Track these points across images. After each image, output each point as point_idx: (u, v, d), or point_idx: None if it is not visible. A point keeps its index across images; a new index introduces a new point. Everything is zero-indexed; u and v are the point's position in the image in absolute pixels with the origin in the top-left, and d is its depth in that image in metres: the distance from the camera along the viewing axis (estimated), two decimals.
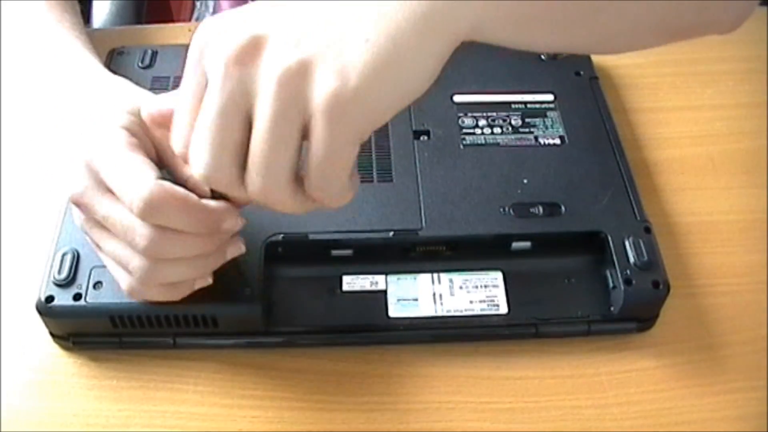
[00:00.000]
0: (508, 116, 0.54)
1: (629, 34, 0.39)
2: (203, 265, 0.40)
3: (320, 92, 0.31)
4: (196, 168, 0.34)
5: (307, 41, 0.32)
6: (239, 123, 0.33)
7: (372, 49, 0.32)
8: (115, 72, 0.46)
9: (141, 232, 0.37)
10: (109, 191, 0.38)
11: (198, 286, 0.41)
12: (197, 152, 0.34)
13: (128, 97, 0.42)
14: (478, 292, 0.46)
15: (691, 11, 0.39)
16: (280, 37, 0.32)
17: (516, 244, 0.47)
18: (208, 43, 0.34)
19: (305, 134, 0.33)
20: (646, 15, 0.38)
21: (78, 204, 0.39)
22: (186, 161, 0.35)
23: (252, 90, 0.32)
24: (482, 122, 0.53)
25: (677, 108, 0.61)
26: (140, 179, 0.37)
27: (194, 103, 0.34)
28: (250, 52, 0.32)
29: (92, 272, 0.43)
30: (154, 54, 0.58)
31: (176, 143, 0.36)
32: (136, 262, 0.38)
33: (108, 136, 0.39)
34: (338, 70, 0.31)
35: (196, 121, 0.34)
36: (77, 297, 0.43)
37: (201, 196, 0.38)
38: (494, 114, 0.54)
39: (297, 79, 0.32)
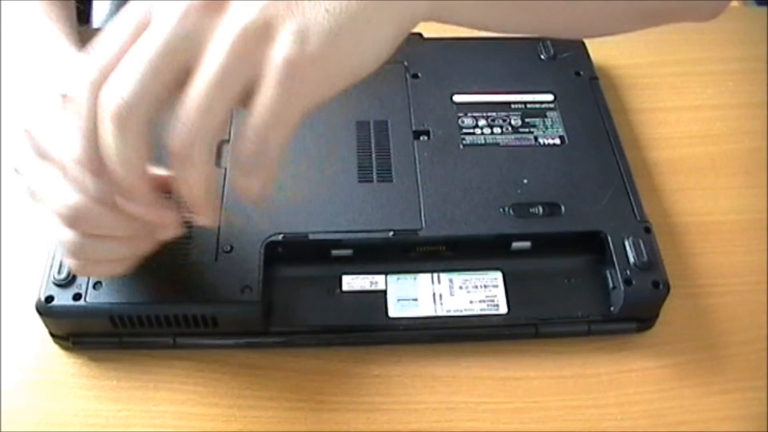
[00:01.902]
0: (507, 116, 0.54)
1: (604, 18, 0.39)
2: (136, 246, 0.39)
3: (278, 53, 0.31)
4: (114, 97, 0.32)
5: (273, 3, 0.32)
6: (175, 70, 0.32)
7: (331, 19, 0.32)
8: None
9: (69, 203, 0.36)
10: (47, 158, 0.37)
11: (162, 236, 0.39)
12: (124, 78, 0.32)
13: (73, 65, 0.41)
14: (477, 292, 0.46)
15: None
16: None
17: (516, 244, 0.47)
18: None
19: (243, 100, 0.32)
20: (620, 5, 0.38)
21: (18, 172, 0.38)
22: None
23: (203, 41, 0.32)
24: (482, 122, 0.53)
25: (677, 108, 0.61)
26: (66, 191, 0.35)
27: (129, 36, 0.33)
28: (214, 4, 0.32)
29: None
30: None
31: (92, 69, 0.33)
32: (66, 235, 0.37)
33: (44, 103, 0.38)
34: (298, 34, 0.32)
35: (125, 52, 0.32)
36: (77, 297, 0.43)
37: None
38: (494, 114, 0.54)
39: (256, 38, 0.32)
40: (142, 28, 0.33)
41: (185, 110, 0.32)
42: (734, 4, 1.09)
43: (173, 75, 0.32)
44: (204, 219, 0.36)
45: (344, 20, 0.32)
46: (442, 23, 0.37)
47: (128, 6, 0.34)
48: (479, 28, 0.37)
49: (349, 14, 0.33)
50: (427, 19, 0.35)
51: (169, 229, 0.39)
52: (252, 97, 0.32)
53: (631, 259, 0.45)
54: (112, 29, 0.34)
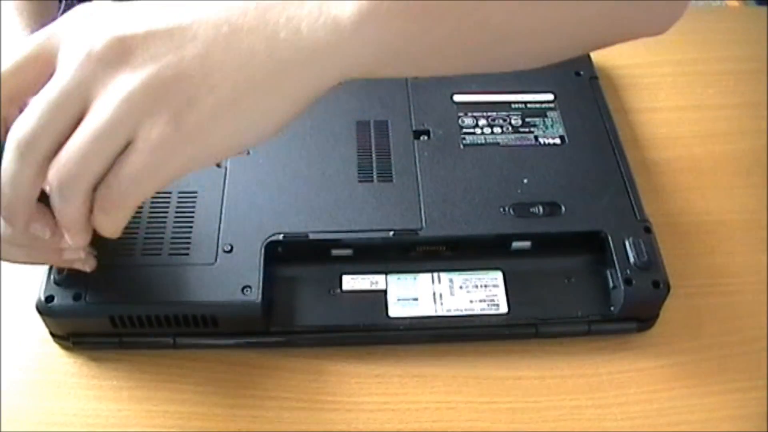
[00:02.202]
0: (508, 116, 0.54)
1: (541, 53, 0.39)
2: (42, 257, 0.40)
3: (152, 130, 0.32)
4: (19, 130, 0.33)
5: (162, 73, 0.32)
6: (72, 114, 0.33)
7: (215, 99, 0.32)
8: None
9: None
10: None
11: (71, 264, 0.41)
12: (27, 116, 0.33)
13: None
14: (478, 292, 0.46)
15: (607, 25, 0.38)
16: (143, 57, 0.32)
17: (516, 244, 0.47)
18: (71, 30, 0.34)
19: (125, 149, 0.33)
20: (558, 37, 0.37)
21: None
22: None
23: (96, 92, 0.33)
24: (482, 122, 0.53)
25: (677, 108, 0.61)
26: None
27: (32, 78, 0.34)
28: (111, 59, 0.32)
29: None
30: None
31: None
32: None
33: None
34: (176, 115, 0.32)
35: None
36: (77, 297, 0.43)
37: None
38: (494, 114, 0.54)
39: (137, 106, 0.32)
40: (41, 62, 0.34)
41: (65, 155, 0.33)
42: (734, 3, 1.09)
43: (68, 119, 0.33)
44: (72, 240, 0.37)
45: (228, 102, 0.32)
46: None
47: (38, 38, 0.35)
48: (405, 75, 0.37)
49: (234, 95, 0.32)
50: (340, 82, 0.35)
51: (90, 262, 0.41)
52: (126, 152, 0.33)
53: (632, 259, 0.45)
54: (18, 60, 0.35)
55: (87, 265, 0.42)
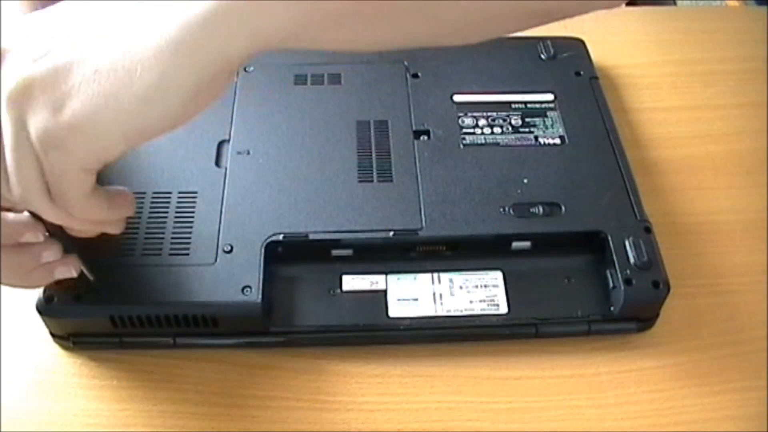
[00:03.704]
0: (508, 116, 0.54)
1: (481, 24, 0.35)
2: (27, 276, 0.39)
3: (33, 122, 0.31)
4: None
5: (37, 63, 0.31)
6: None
7: (97, 81, 0.31)
8: None
9: None
10: None
11: (59, 275, 0.40)
12: None
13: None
14: (478, 292, 0.46)
15: None
16: (17, 53, 0.32)
17: (516, 244, 0.47)
18: None
19: None
20: (502, 5, 0.34)
21: None
22: None
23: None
24: (482, 122, 0.53)
25: (677, 108, 0.61)
26: None
27: None
28: None
29: None
30: None
31: None
32: None
33: None
34: (55, 102, 0.31)
35: None
36: (77, 297, 0.43)
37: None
38: (494, 114, 0.54)
39: (19, 103, 0.31)
40: None
41: (7, 174, 0.33)
42: (734, 3, 1.09)
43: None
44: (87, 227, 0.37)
45: (112, 82, 0.30)
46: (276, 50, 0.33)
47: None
48: (323, 49, 0.34)
49: (121, 75, 0.30)
50: (252, 55, 0.32)
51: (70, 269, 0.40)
52: None
53: (632, 259, 0.45)
54: None
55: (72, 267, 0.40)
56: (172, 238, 0.45)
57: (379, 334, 0.45)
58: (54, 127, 0.31)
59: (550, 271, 0.47)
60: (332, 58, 0.57)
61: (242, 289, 0.43)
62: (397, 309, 0.45)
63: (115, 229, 0.39)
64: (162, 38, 0.30)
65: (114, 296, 0.43)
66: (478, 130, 0.52)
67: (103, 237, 0.39)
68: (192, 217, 0.46)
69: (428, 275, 0.46)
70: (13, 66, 0.32)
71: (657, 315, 0.46)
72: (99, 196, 0.35)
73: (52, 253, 0.39)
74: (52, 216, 0.35)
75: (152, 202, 0.47)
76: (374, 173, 0.49)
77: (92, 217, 0.36)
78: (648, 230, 0.47)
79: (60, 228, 0.39)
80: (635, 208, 0.48)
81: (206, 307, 0.43)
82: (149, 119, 0.32)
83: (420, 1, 0.33)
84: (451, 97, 0.55)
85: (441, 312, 0.45)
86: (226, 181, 0.48)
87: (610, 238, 0.46)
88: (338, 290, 0.46)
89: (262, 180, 0.48)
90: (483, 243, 0.47)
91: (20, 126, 0.32)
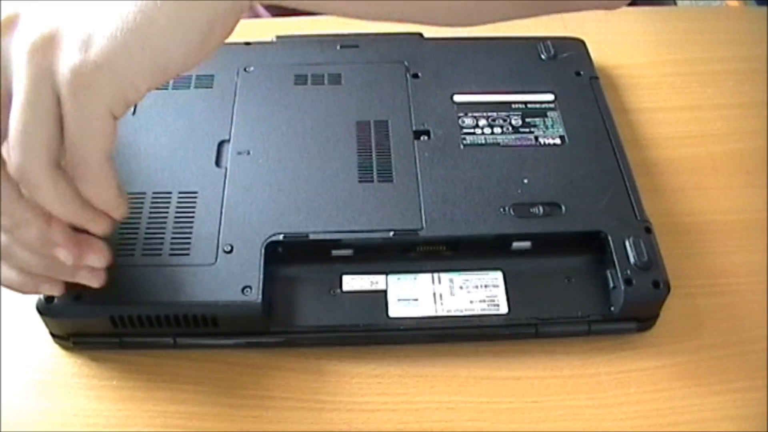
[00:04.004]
0: (508, 116, 0.54)
1: (475, 7, 0.37)
2: (54, 267, 0.39)
3: (62, 65, 0.31)
4: None
5: (56, 14, 0.32)
6: (3, 95, 0.33)
7: (119, 19, 0.31)
8: None
9: None
10: None
11: (44, 291, 0.40)
12: None
13: None
14: (478, 292, 0.46)
15: None
16: (31, 12, 0.32)
17: (516, 244, 0.47)
18: None
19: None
20: None
21: None
22: None
23: (8, 62, 0.32)
24: (482, 122, 0.53)
25: (677, 108, 0.61)
26: None
27: None
28: (7, 26, 0.32)
29: None
30: None
31: None
32: None
33: None
34: (81, 42, 0.31)
35: None
36: (77, 297, 0.43)
37: None
38: (494, 114, 0.54)
39: (43, 53, 0.31)
40: None
41: (11, 137, 0.32)
42: (734, 3, 1.09)
43: (5, 99, 0.33)
44: (93, 227, 0.37)
45: (135, 19, 0.31)
46: (280, 4, 0.35)
47: None
48: (325, 12, 0.35)
49: (141, 11, 0.31)
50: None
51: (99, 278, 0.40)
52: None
53: (632, 259, 0.45)
54: None
55: (98, 279, 0.41)
56: (172, 238, 0.45)
57: (379, 334, 0.45)
58: (83, 65, 0.31)
59: (551, 271, 0.47)
60: (333, 58, 0.57)
61: (242, 289, 0.43)
62: (397, 309, 0.45)
63: (100, 227, 0.38)
64: None
65: (114, 296, 0.43)
66: (479, 130, 0.52)
67: (103, 237, 0.39)
68: (192, 217, 0.46)
69: (428, 275, 0.46)
70: (30, 22, 0.32)
71: (657, 315, 0.46)
72: (113, 166, 0.35)
73: (96, 257, 0.39)
74: (48, 189, 0.34)
75: (152, 202, 0.47)
76: (374, 173, 0.49)
77: (103, 188, 0.35)
78: (648, 230, 0.47)
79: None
80: (635, 208, 0.48)
81: (206, 307, 0.43)
82: (172, 53, 0.33)
83: None
84: (452, 97, 0.55)
85: (441, 312, 0.45)
86: (227, 181, 0.48)
87: (610, 238, 0.46)
88: (338, 290, 0.46)
89: (263, 180, 0.48)
90: (483, 243, 0.47)
91: (42, 76, 0.31)
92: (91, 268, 0.40)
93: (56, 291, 0.41)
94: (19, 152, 0.32)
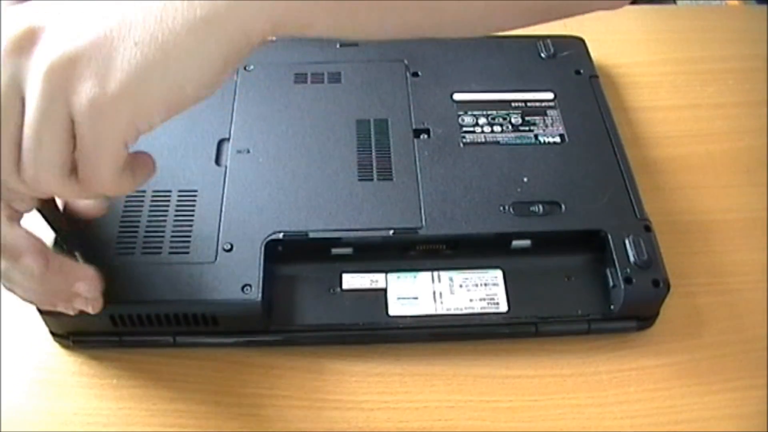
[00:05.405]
0: (508, 115, 0.54)
1: (483, 17, 0.38)
2: (45, 295, 0.40)
3: (80, 94, 0.32)
4: None
5: (79, 38, 0.32)
6: (16, 110, 0.33)
7: (139, 52, 0.32)
8: None
9: None
10: None
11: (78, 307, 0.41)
12: None
13: None
14: (478, 291, 0.46)
15: None
16: (55, 31, 0.32)
17: (516, 243, 0.47)
18: None
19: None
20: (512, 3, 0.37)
21: None
22: None
23: (24, 80, 0.32)
24: (482, 120, 0.53)
25: (677, 106, 0.61)
26: None
27: None
28: (24, 43, 0.32)
29: None
30: None
31: None
32: None
33: None
34: (100, 73, 0.32)
35: None
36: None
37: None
38: (494, 112, 0.54)
39: (62, 75, 0.32)
40: None
41: (23, 152, 0.33)
42: (734, 2, 1.09)
43: (15, 120, 0.33)
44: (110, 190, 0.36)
45: (154, 53, 0.32)
46: (292, 35, 0.35)
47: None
48: (335, 35, 0.36)
49: (160, 45, 0.32)
50: (269, 36, 0.34)
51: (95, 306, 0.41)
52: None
53: (631, 258, 0.45)
54: None
55: (93, 306, 0.41)
56: (172, 236, 0.45)
57: (379, 332, 0.45)
58: (102, 97, 0.31)
59: (550, 269, 0.47)
60: (332, 56, 0.57)
61: (242, 288, 0.43)
62: (397, 307, 0.45)
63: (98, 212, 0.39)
64: (195, 13, 0.32)
65: (114, 295, 0.43)
66: (478, 129, 0.52)
67: (103, 236, 0.39)
68: (192, 215, 0.46)
69: (428, 274, 0.46)
70: (53, 40, 0.32)
71: (657, 314, 0.46)
72: (126, 169, 0.35)
73: (86, 287, 0.39)
74: (67, 194, 0.35)
75: (152, 201, 0.47)
76: (374, 172, 0.49)
77: (122, 191, 0.35)
78: (648, 229, 0.47)
79: (65, 224, 0.39)
80: (635, 206, 0.48)
81: (206, 305, 0.43)
82: (188, 87, 0.33)
83: None
84: (451, 96, 0.55)
85: (441, 311, 0.45)
86: (226, 180, 0.48)
87: (610, 236, 0.46)
88: (338, 289, 0.46)
89: (262, 178, 0.48)
90: (483, 241, 0.47)
91: (57, 98, 0.32)
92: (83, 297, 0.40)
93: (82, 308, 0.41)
94: (31, 163, 0.33)
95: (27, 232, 0.37)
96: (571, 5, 0.39)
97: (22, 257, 0.37)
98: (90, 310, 0.41)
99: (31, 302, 0.41)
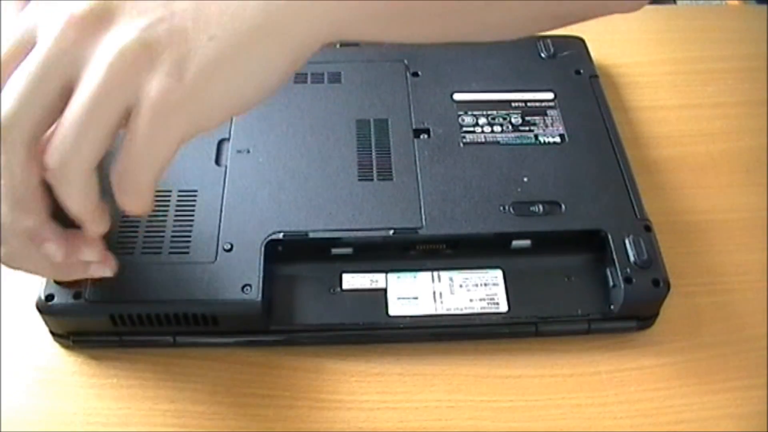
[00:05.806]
0: (508, 114, 0.54)
1: (516, 23, 0.38)
2: (61, 271, 0.39)
3: (153, 83, 0.30)
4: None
5: (154, 27, 0.31)
6: (56, 86, 0.31)
7: (214, 47, 0.31)
8: None
9: None
10: None
11: (94, 274, 0.40)
12: (5, 97, 0.32)
13: None
14: (478, 291, 0.46)
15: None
16: (130, 15, 0.31)
17: (516, 243, 0.47)
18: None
19: (126, 119, 0.32)
20: (530, 8, 0.37)
21: None
22: None
23: (83, 59, 0.31)
24: (482, 120, 0.53)
25: (677, 106, 0.61)
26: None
27: (11, 56, 0.32)
28: (95, 20, 0.31)
29: None
30: None
31: None
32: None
33: None
34: (176, 65, 0.30)
35: (12, 69, 0.32)
36: (77, 295, 0.43)
37: None
38: (494, 112, 0.54)
39: (133, 63, 0.30)
40: (28, 45, 0.32)
41: (61, 130, 0.31)
42: (734, 2, 1.09)
43: (54, 94, 0.32)
44: (90, 229, 0.36)
45: (228, 49, 0.31)
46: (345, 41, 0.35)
47: (16, 17, 0.33)
48: (387, 40, 0.36)
49: (234, 42, 0.31)
50: (330, 40, 0.34)
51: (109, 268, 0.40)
52: (130, 119, 0.31)
53: (632, 258, 0.45)
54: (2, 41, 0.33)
55: (109, 269, 0.40)
56: (172, 236, 0.45)
57: (379, 332, 0.45)
58: (174, 90, 0.31)
59: (550, 269, 0.47)
60: (332, 56, 0.57)
61: (242, 288, 0.43)
62: (397, 307, 0.45)
63: (102, 228, 0.37)
64: (265, 11, 0.32)
65: (114, 295, 0.43)
66: (478, 129, 0.52)
67: (103, 236, 0.39)
68: (192, 215, 0.46)
69: (428, 274, 0.46)
70: (127, 23, 0.31)
71: (657, 313, 0.46)
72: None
73: (92, 252, 0.38)
74: (78, 192, 0.33)
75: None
76: (374, 172, 0.49)
77: (144, 206, 0.34)
78: (648, 229, 0.47)
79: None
80: (635, 206, 0.48)
81: (206, 305, 0.43)
82: (249, 89, 0.33)
83: (475, 2, 0.36)
84: (451, 96, 0.55)
85: (441, 310, 0.45)
86: (226, 180, 0.48)
87: (610, 236, 0.46)
88: (338, 289, 0.46)
89: (262, 178, 0.48)
90: (483, 241, 0.47)
91: (122, 83, 0.31)
92: (88, 262, 0.39)
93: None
94: (65, 148, 0.31)
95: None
96: (593, 6, 0.39)
97: (44, 244, 0.36)
98: (108, 273, 0.40)
99: (44, 276, 0.40)
